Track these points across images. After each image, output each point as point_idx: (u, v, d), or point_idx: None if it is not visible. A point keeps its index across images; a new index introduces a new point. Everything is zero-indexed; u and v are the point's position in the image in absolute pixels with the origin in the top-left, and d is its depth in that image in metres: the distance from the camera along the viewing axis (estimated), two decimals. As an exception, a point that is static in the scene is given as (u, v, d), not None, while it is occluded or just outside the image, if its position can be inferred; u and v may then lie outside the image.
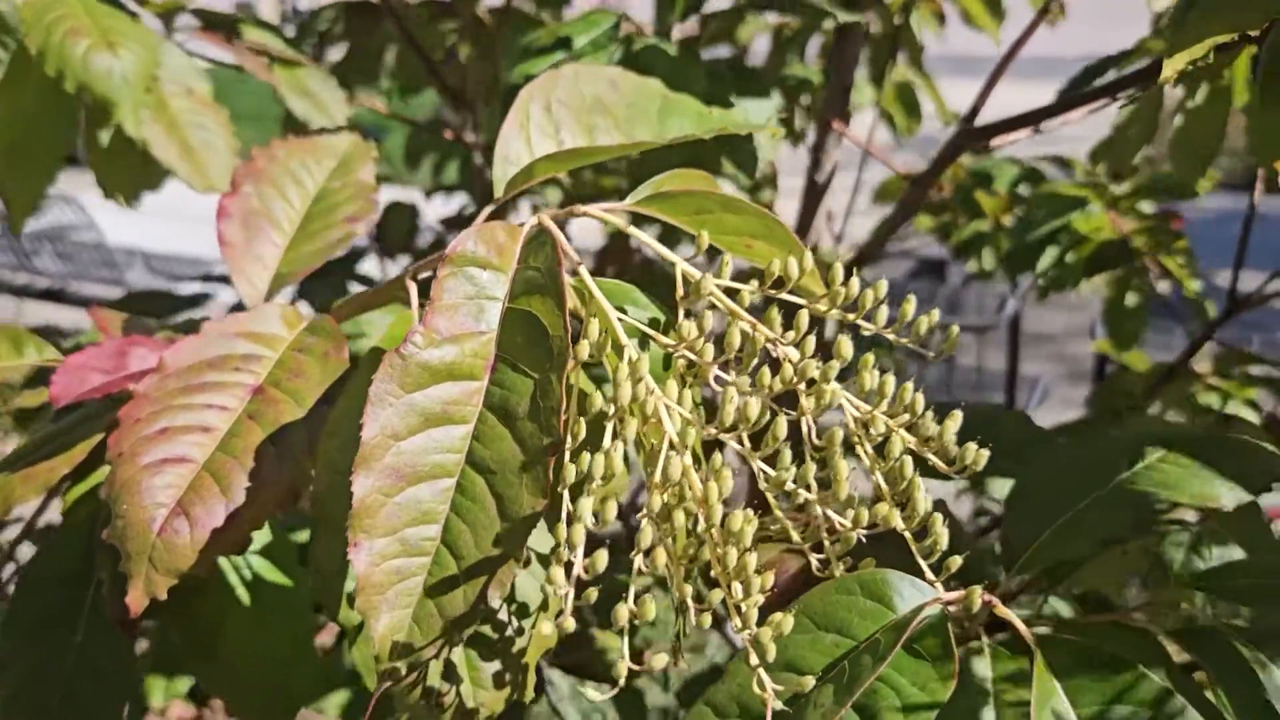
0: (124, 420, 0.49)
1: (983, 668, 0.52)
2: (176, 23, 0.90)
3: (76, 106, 0.83)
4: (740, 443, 0.42)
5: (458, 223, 1.45)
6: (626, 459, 0.44)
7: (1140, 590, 0.71)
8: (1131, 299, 1.34)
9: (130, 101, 0.74)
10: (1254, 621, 0.56)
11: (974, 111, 0.96)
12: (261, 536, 0.62)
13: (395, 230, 1.51)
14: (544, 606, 0.49)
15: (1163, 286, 1.32)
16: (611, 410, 0.40)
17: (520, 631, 0.49)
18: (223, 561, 0.61)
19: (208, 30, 0.90)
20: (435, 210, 1.67)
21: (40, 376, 0.66)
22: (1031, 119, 0.93)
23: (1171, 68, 0.55)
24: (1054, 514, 0.51)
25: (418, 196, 1.65)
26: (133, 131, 0.75)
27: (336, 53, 1.30)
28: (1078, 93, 0.87)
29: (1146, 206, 1.32)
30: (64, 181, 0.99)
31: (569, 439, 0.42)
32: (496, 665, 0.48)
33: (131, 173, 0.90)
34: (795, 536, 0.50)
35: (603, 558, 0.38)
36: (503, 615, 0.49)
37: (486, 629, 0.48)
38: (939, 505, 0.55)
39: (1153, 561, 0.94)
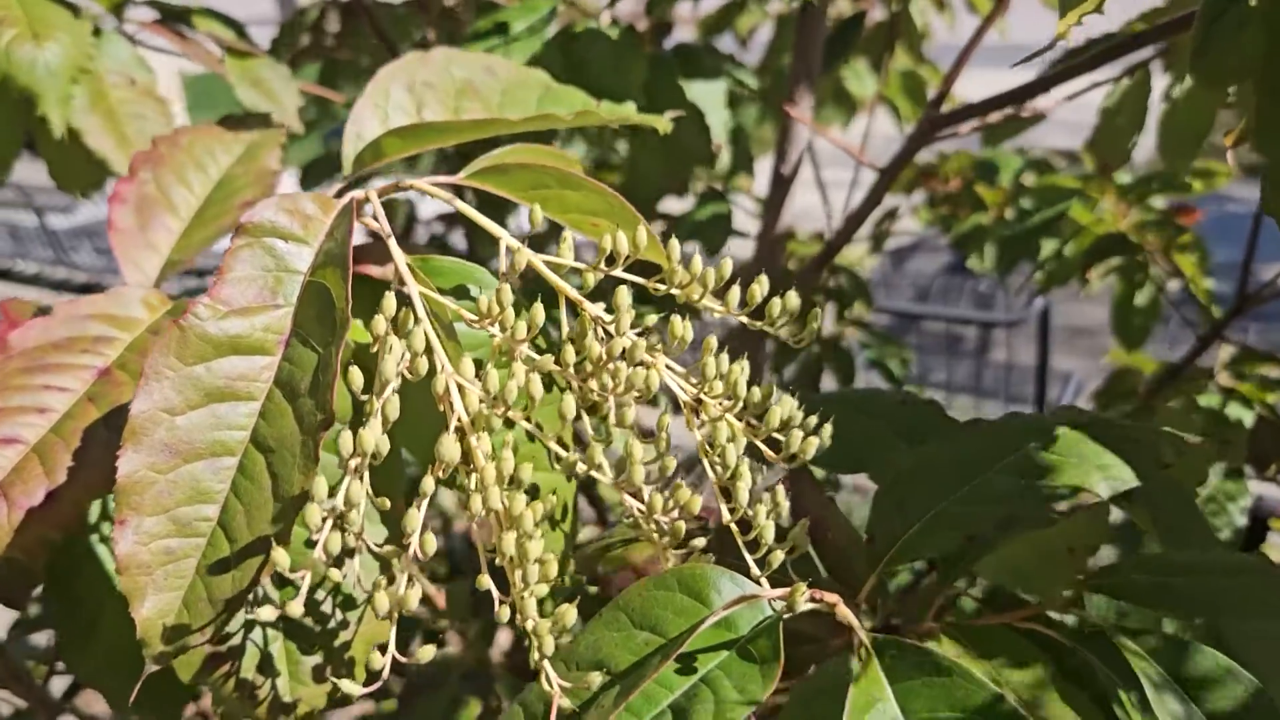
0: (-42, 400, 0.49)
1: (847, 667, 0.48)
2: (129, 14, 0.90)
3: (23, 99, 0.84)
4: (533, 422, 0.40)
5: (451, 219, 1.45)
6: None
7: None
8: (1142, 297, 1.28)
9: (55, 92, 0.74)
10: (1155, 625, 0.53)
11: (940, 97, 0.91)
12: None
13: (390, 225, 1.51)
14: (370, 600, 0.47)
15: (1173, 284, 1.26)
16: (378, 386, 0.38)
17: (344, 624, 0.47)
18: (100, 547, 0.60)
19: (161, 23, 0.91)
20: (432, 206, 1.67)
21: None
22: (1002, 101, 0.88)
23: (1065, 23, 0.52)
24: (920, 509, 0.47)
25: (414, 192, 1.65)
26: (56, 122, 0.75)
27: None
28: (1053, 72, 0.82)
29: (1158, 201, 1.26)
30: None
31: (364, 417, 0.40)
32: (318, 658, 0.46)
33: (85, 164, 0.90)
34: (647, 529, 0.48)
35: (336, 541, 0.36)
36: (326, 607, 0.47)
37: (308, 621, 0.47)
38: (816, 504, 0.53)
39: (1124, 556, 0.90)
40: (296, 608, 0.36)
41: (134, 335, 0.53)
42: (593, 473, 0.40)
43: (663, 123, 0.60)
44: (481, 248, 1.22)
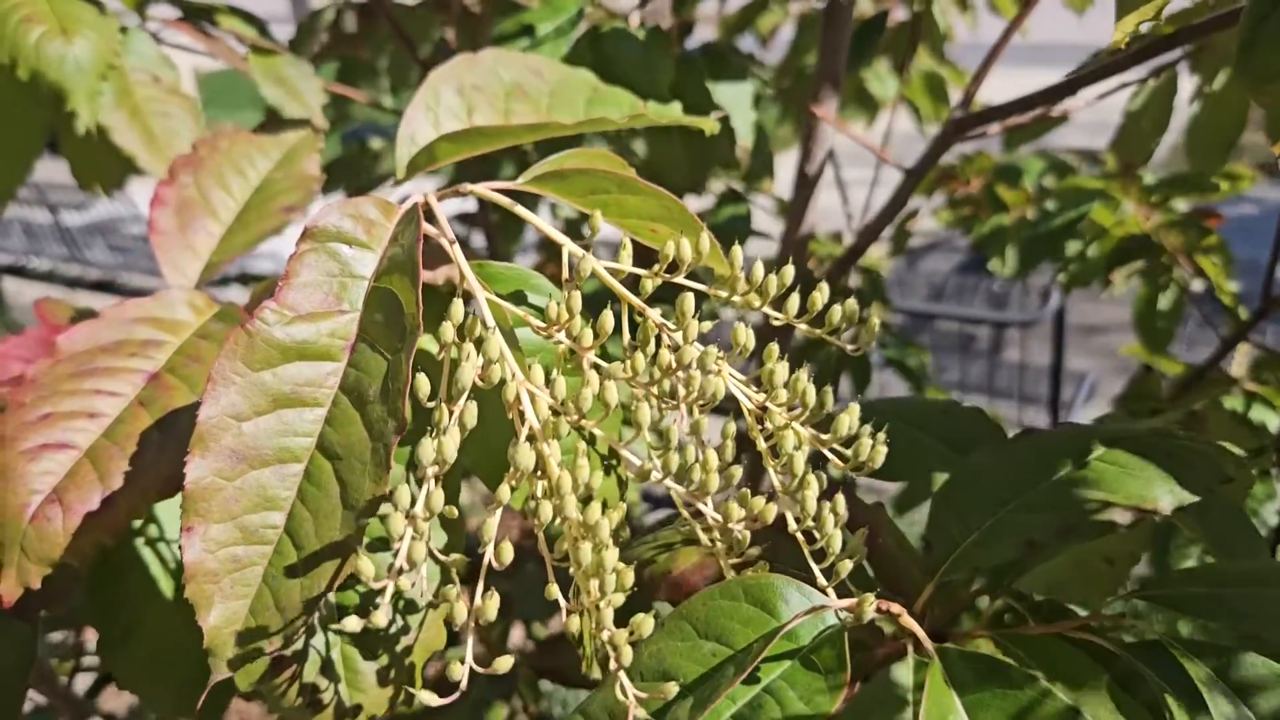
0: (10, 405, 0.48)
1: (904, 676, 0.48)
2: (152, 11, 0.90)
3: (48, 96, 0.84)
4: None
5: (471, 220, 1.44)
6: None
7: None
8: (1165, 299, 1.27)
9: (84, 89, 0.73)
10: (1207, 635, 0.52)
11: (967, 99, 0.91)
12: (186, 525, 0.61)
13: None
14: (433, 605, 0.47)
15: (1197, 286, 1.25)
16: (454, 395, 0.38)
17: (405, 630, 0.47)
18: (145, 550, 0.60)
19: (183, 21, 0.90)
20: (450, 207, 1.66)
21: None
22: (1030, 103, 0.88)
23: (1121, 30, 0.51)
24: (980, 517, 0.47)
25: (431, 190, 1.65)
26: (86, 119, 0.74)
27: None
28: (1080, 73, 0.82)
29: (1180, 203, 1.26)
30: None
31: (433, 428, 0.40)
32: (379, 664, 0.46)
33: (108, 162, 0.90)
34: (703, 538, 0.47)
35: (420, 549, 0.36)
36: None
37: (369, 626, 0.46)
38: (865, 511, 0.52)
39: (1157, 569, 0.89)
40: (382, 617, 0.35)
41: (182, 339, 0.53)
42: (666, 482, 0.40)
43: (709, 123, 0.60)
44: (503, 247, 1.22)
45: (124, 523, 0.47)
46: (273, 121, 0.81)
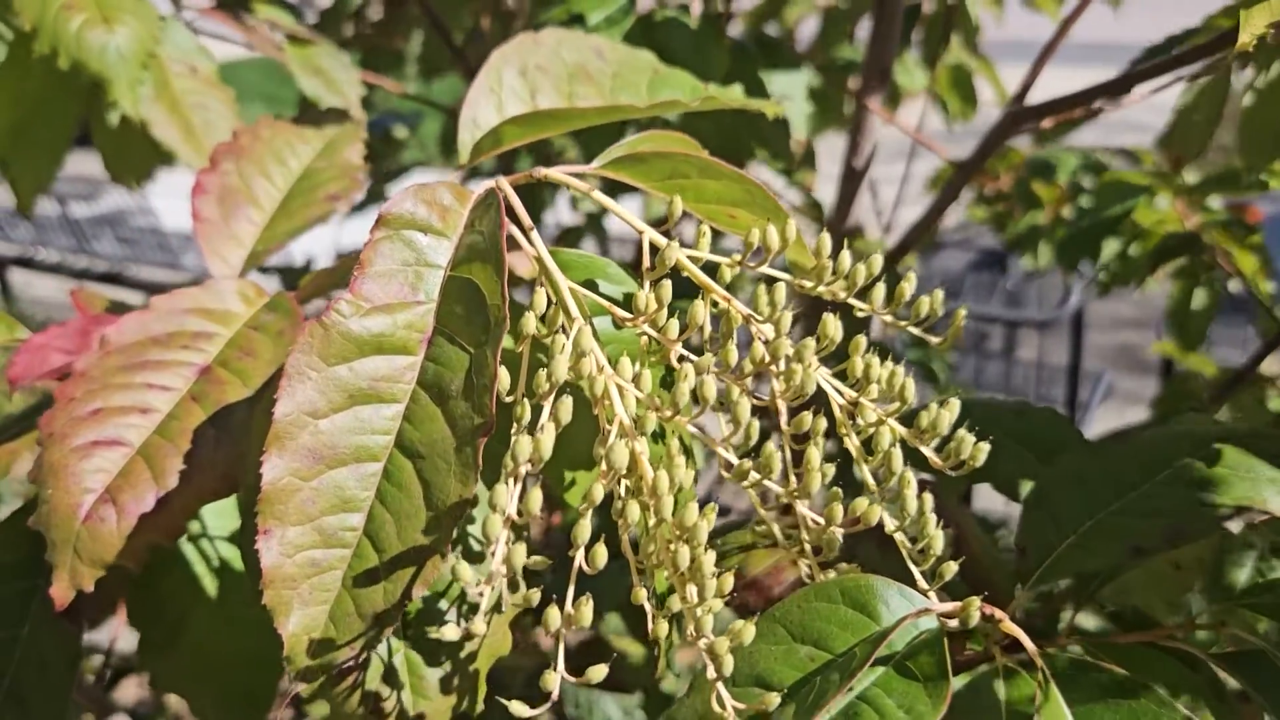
0: (58, 399, 0.46)
1: (999, 688, 0.46)
2: (187, 1, 0.88)
3: (82, 88, 0.82)
4: (704, 429, 0.38)
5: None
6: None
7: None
8: (1199, 299, 1.25)
9: (126, 78, 0.71)
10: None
11: (1023, 91, 0.89)
12: (230, 524, 0.59)
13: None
14: (498, 608, 0.45)
15: (1234, 285, 1.23)
16: (548, 388, 0.36)
17: (469, 636, 0.44)
18: (188, 548, 0.58)
19: (219, 9, 0.88)
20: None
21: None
22: (1085, 97, 0.86)
23: (1250, 30, 0.48)
24: (1076, 521, 0.45)
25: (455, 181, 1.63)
26: (129, 110, 0.72)
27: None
28: (1136, 69, 0.80)
29: (1215, 200, 1.23)
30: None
31: (514, 423, 0.38)
32: (442, 671, 0.44)
33: (140, 154, 0.88)
34: (780, 538, 0.45)
35: (520, 553, 0.33)
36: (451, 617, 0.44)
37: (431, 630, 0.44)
38: (945, 507, 0.50)
39: (1212, 576, 0.87)
40: (480, 626, 0.33)
41: (233, 330, 0.51)
42: (766, 481, 0.38)
43: (772, 106, 0.58)
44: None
45: (180, 524, 0.45)
46: (308, 111, 0.79)
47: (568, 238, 1.54)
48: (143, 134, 0.81)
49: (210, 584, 0.58)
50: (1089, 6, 1.01)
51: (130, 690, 1.62)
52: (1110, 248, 1.14)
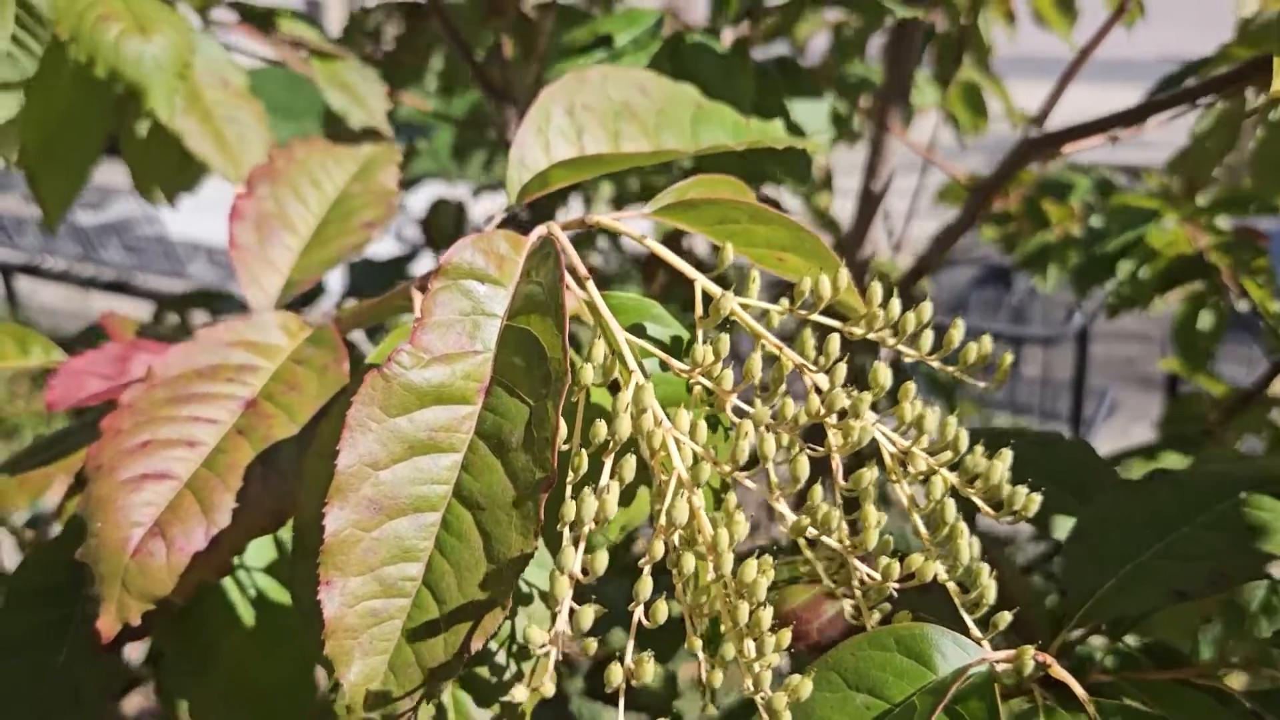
0: (106, 431, 0.47)
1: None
2: (213, 15, 0.88)
3: (111, 101, 0.82)
4: (761, 484, 0.38)
5: (508, 224, 1.42)
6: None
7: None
8: (1206, 320, 1.26)
9: (163, 87, 0.71)
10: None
11: (1043, 115, 0.90)
12: (267, 554, 0.59)
13: (441, 227, 1.49)
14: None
15: (1243, 306, 1.24)
16: (610, 444, 0.36)
17: (519, 676, 0.45)
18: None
19: (245, 23, 0.88)
20: (484, 208, 1.65)
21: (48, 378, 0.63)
22: (1104, 125, 0.86)
23: None
24: (1118, 562, 0.46)
25: (466, 193, 1.63)
26: (165, 119, 0.72)
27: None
28: (1155, 99, 0.80)
29: (1222, 221, 1.24)
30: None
31: (570, 473, 0.38)
32: (490, 713, 0.44)
33: (168, 169, 0.88)
34: (825, 579, 0.46)
35: (587, 615, 0.34)
36: (500, 658, 0.45)
37: (483, 671, 0.45)
38: (989, 551, 0.50)
39: (1226, 609, 0.88)
40: (550, 688, 0.34)
41: (276, 364, 0.51)
42: (823, 537, 0.38)
43: (814, 144, 0.58)
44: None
45: (229, 560, 0.45)
46: (335, 126, 0.79)
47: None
48: (170, 146, 0.81)
49: (246, 613, 0.58)
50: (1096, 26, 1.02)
51: (134, 700, 1.61)
52: (1123, 270, 1.15)
